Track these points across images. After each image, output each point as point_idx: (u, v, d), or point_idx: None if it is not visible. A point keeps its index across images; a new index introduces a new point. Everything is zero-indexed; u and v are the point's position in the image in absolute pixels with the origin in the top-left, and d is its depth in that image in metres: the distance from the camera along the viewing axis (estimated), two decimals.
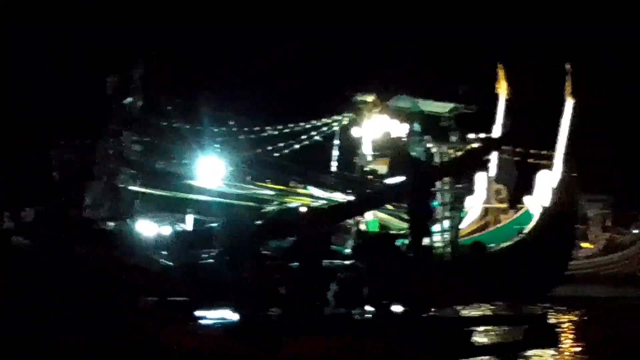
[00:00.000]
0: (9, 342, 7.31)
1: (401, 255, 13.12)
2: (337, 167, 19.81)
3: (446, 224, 17.40)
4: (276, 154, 18.33)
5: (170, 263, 10.15)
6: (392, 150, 17.59)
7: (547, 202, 19.48)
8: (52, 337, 7.39)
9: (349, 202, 15.89)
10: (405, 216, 15.05)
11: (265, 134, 18.39)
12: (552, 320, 11.81)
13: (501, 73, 22.52)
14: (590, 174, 22.55)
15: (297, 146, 18.69)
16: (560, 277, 19.84)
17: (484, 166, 21.71)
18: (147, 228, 14.21)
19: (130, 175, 15.30)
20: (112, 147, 15.32)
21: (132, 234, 12.64)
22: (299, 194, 17.71)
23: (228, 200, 16.05)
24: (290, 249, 11.03)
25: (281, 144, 18.44)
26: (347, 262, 11.65)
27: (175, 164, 16.56)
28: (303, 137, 18.86)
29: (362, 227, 17.43)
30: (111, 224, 13.25)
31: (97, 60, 21.11)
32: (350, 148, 19.66)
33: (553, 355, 9.94)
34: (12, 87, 21.85)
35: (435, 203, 16.86)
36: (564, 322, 13.58)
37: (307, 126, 18.99)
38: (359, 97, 19.14)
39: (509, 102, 22.29)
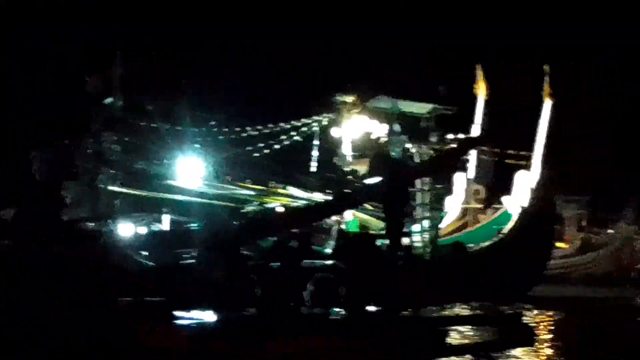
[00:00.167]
0: None
1: (382, 255, 13.27)
2: (317, 167, 19.82)
3: (426, 224, 17.52)
4: (256, 154, 18.39)
5: (150, 263, 10.21)
6: (371, 151, 17.70)
7: (525, 202, 19.65)
8: (30, 338, 7.41)
9: (325, 201, 16.00)
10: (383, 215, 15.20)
11: (245, 135, 18.46)
12: (527, 320, 11.98)
13: (480, 74, 22.64)
14: (567, 175, 22.76)
15: (277, 146, 18.75)
16: (539, 277, 20.04)
17: (462, 166, 21.86)
18: (127, 228, 14.22)
19: (110, 176, 15.31)
20: (92, 147, 15.31)
21: (112, 235, 12.67)
22: (278, 194, 17.78)
23: (208, 201, 16.09)
24: (270, 249, 11.12)
25: (261, 144, 18.51)
26: (327, 262, 11.74)
27: (155, 164, 16.57)
28: (283, 137, 18.92)
29: (343, 227, 17.50)
30: (91, 224, 13.24)
31: (78, 60, 21.02)
32: (330, 148, 19.69)
33: (528, 354, 10.05)
34: None
35: (412, 202, 17.01)
36: (538, 322, 13.70)
37: (287, 126, 19.04)
38: (339, 98, 19.18)
39: (487, 102, 22.40)
